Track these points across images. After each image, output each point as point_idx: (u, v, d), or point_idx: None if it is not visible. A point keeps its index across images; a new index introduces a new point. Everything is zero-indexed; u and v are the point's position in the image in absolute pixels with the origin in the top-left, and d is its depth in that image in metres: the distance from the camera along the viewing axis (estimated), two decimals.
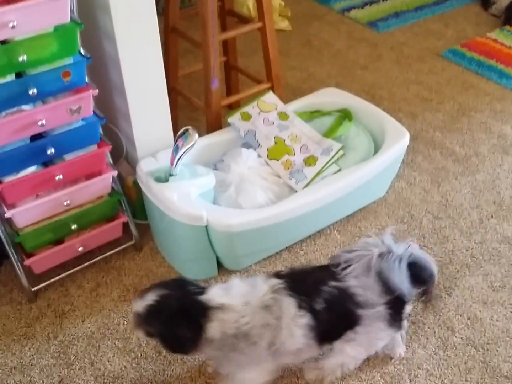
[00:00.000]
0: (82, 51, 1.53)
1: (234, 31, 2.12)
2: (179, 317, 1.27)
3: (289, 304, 1.31)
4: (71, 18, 1.44)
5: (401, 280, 1.34)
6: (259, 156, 1.93)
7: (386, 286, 1.34)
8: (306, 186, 1.83)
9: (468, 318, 1.67)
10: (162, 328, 1.29)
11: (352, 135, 2.00)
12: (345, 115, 2.06)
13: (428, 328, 1.65)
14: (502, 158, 2.23)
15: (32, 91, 1.42)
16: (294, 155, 1.92)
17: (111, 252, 1.84)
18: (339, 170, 1.88)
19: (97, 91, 1.55)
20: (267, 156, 1.93)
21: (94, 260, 1.82)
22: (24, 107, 1.48)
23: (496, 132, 2.36)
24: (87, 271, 1.83)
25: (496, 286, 1.75)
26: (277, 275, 1.39)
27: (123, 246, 1.85)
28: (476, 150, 2.27)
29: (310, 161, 1.88)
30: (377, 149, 1.96)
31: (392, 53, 2.87)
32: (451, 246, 1.89)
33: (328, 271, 1.38)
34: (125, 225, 1.84)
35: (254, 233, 1.71)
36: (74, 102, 1.51)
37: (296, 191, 1.83)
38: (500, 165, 2.20)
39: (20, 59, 1.38)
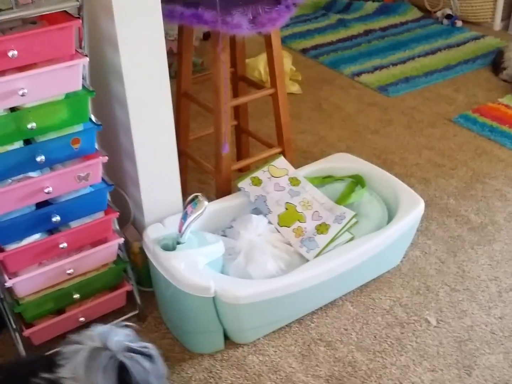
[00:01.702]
0: (93, 118, 1.51)
1: (247, 97, 2.11)
2: None
3: None
4: (82, 85, 1.43)
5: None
6: (269, 222, 1.88)
7: None
8: (317, 255, 1.77)
9: None
10: None
11: (365, 202, 1.95)
12: (357, 181, 2.02)
13: None
14: None
15: (40, 158, 1.40)
16: (306, 222, 1.87)
17: (113, 322, 1.76)
18: (352, 238, 1.82)
19: (106, 158, 1.52)
20: (278, 223, 1.88)
21: None
22: (31, 174, 1.44)
23: None
24: None
25: None
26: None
27: (126, 316, 1.78)
28: (492, 218, 2.21)
29: (322, 228, 1.83)
30: (390, 216, 1.91)
31: (403, 118, 2.85)
32: (469, 321, 1.80)
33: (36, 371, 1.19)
34: (129, 293, 1.77)
35: (263, 305, 1.64)
36: (83, 169, 1.48)
37: (307, 260, 1.77)
38: None
39: (29, 126, 1.35)
